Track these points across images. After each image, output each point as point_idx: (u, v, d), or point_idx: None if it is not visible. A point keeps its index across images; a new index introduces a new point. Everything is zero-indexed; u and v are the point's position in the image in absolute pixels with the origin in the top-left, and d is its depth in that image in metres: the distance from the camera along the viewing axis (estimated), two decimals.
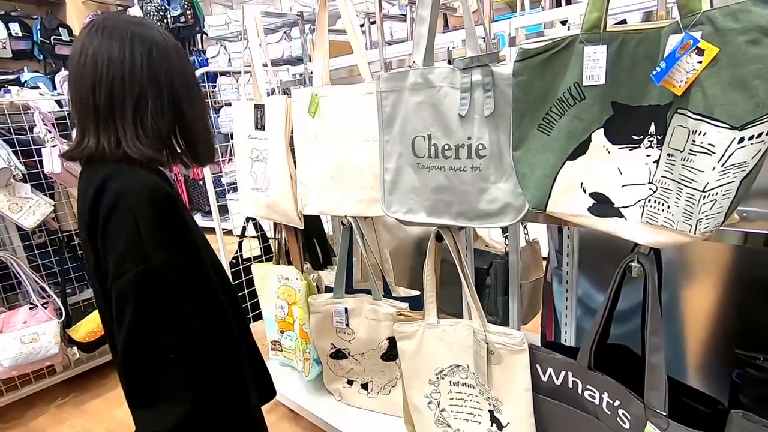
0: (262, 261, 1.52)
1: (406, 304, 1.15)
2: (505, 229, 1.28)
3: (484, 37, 0.91)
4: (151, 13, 4.08)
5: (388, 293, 1.22)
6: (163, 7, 4.03)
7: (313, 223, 1.43)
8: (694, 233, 0.57)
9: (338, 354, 1.29)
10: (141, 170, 0.67)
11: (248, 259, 1.52)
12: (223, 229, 1.47)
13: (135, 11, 4.27)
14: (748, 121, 0.51)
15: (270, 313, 1.45)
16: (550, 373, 0.87)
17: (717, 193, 0.54)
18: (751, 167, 0.52)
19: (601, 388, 0.80)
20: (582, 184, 0.69)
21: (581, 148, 0.68)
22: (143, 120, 0.68)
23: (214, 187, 1.47)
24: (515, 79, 0.72)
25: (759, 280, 0.93)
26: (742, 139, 0.51)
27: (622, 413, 0.77)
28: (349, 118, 1.04)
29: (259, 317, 1.53)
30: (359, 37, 1.01)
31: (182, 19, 3.94)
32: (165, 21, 4.03)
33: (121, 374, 0.69)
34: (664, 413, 0.69)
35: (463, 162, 0.82)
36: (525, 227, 1.39)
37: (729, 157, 0.52)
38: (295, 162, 1.17)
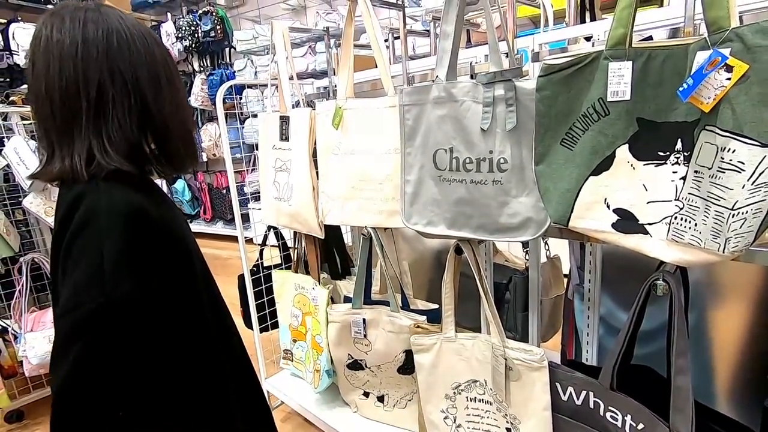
0: (282, 269, 1.54)
1: (424, 317, 1.14)
2: (525, 244, 1.27)
3: (507, 53, 0.92)
4: (183, 28, 4.25)
5: (406, 305, 1.22)
6: (194, 23, 4.19)
7: (333, 233, 1.45)
8: (723, 252, 0.55)
9: (355, 365, 1.29)
10: (118, 186, 0.57)
11: (269, 267, 1.55)
12: (245, 238, 1.50)
13: (168, 26, 4.47)
14: None
15: (285, 321, 1.47)
16: (571, 393, 0.85)
17: (747, 212, 0.53)
18: None
19: (624, 410, 0.78)
20: (606, 199, 0.68)
21: (605, 164, 0.67)
22: (106, 124, 0.57)
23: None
24: (539, 93, 0.72)
25: None
26: None
27: None
28: (372, 130, 1.06)
29: (277, 326, 1.54)
30: (383, 52, 1.03)
31: (212, 34, 4.09)
32: (196, 35, 4.20)
33: None
34: None
35: (485, 175, 0.82)
36: (546, 242, 1.37)
37: (760, 174, 0.51)
38: (317, 173, 1.19)
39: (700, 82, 0.55)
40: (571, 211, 0.71)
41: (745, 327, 0.94)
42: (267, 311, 1.57)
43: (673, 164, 0.63)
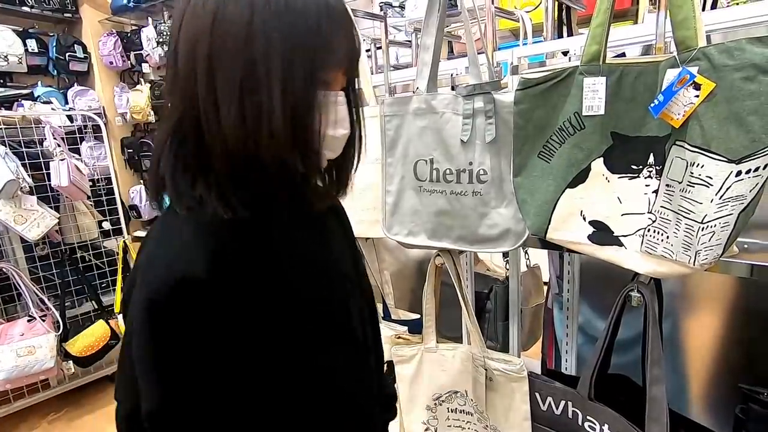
0: None
1: (405, 328, 1.14)
2: (506, 254, 1.28)
3: (487, 65, 0.93)
4: (164, 33, 4.19)
5: (387, 316, 1.21)
6: None
7: None
8: (694, 264, 0.57)
9: None
10: (207, 228, 0.45)
11: None
12: None
13: (149, 31, 4.40)
14: (744, 155, 0.51)
15: None
16: (550, 402, 0.86)
17: (715, 225, 0.54)
18: (749, 200, 0.53)
19: (601, 419, 0.78)
20: (582, 211, 0.69)
21: (581, 176, 0.69)
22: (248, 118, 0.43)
23: None
24: (516, 107, 0.73)
25: (764, 313, 0.92)
26: (739, 173, 0.52)
27: None
28: None
29: None
30: (365, 62, 1.03)
31: None
32: None
33: None
34: None
35: (464, 186, 0.82)
36: (526, 252, 1.39)
37: (727, 189, 0.53)
38: None
39: (670, 98, 0.57)
40: (549, 223, 0.71)
41: (718, 336, 0.97)
42: None
43: (645, 177, 0.64)
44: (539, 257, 1.37)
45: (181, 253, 0.44)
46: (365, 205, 1.04)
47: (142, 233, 5.06)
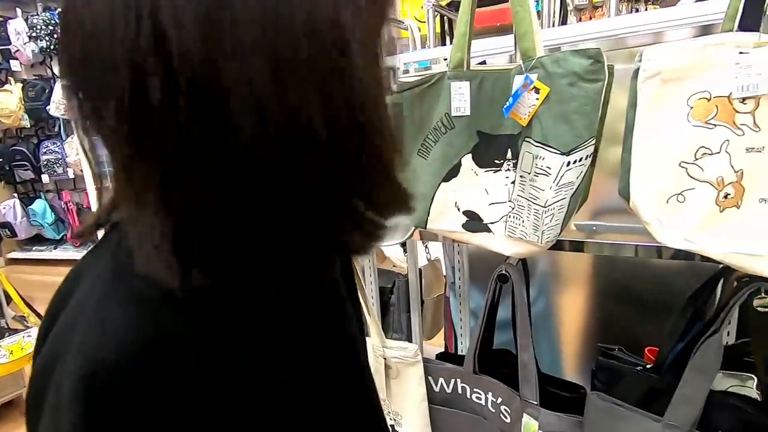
0: None
1: None
2: (405, 249, 1.35)
3: None
4: (38, 26, 3.72)
5: None
6: (53, 21, 3.69)
7: None
8: (541, 243, 0.66)
9: None
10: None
11: None
12: None
13: (18, 24, 3.86)
14: (572, 148, 0.61)
15: None
16: (442, 383, 0.93)
17: (554, 208, 0.63)
18: (577, 185, 0.63)
19: (485, 389, 0.87)
20: (456, 203, 0.77)
21: (453, 171, 0.76)
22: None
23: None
24: (396, 108, 0.79)
25: (617, 285, 1.09)
26: (569, 163, 0.62)
27: (504, 409, 0.84)
28: None
29: None
30: None
31: None
32: (55, 35, 3.69)
33: None
34: (536, 402, 0.77)
35: None
36: (426, 246, 1.48)
37: (561, 177, 0.62)
38: None
39: (517, 100, 0.65)
40: (428, 215, 0.78)
41: (583, 307, 1.12)
42: None
43: (506, 170, 0.73)
44: (440, 251, 1.46)
45: (147, 312, 0.28)
46: None
47: (18, 254, 4.41)
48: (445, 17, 1.25)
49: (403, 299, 1.31)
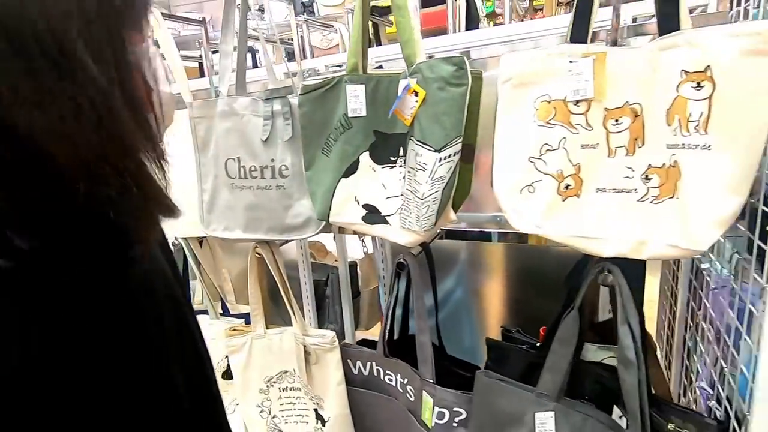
0: None
1: (242, 320, 1.19)
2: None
3: (294, 72, 1.03)
4: None
5: (227, 312, 1.25)
6: None
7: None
8: (422, 232, 0.73)
9: None
10: None
11: None
12: None
13: None
14: (443, 145, 0.68)
15: None
16: (359, 366, 0.99)
17: (429, 200, 0.70)
18: (448, 179, 0.70)
19: (395, 371, 0.93)
20: (356, 197, 0.82)
21: (352, 168, 0.82)
22: None
23: None
24: (300, 109, 0.84)
25: (528, 271, 1.17)
26: (441, 159, 0.68)
27: (409, 389, 0.90)
28: (174, 142, 1.07)
29: None
30: (178, 64, 1.06)
31: None
32: None
33: None
34: (432, 381, 0.84)
35: (268, 182, 0.91)
36: (363, 240, 1.53)
37: (435, 172, 0.69)
38: None
39: (397, 103, 0.72)
40: (330, 209, 0.83)
41: (497, 293, 1.20)
42: None
43: (399, 167, 0.79)
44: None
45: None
46: (191, 206, 1.07)
47: None
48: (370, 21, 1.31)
49: (337, 292, 1.36)
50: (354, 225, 0.83)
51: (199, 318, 1.20)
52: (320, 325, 1.37)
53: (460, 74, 0.66)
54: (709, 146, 0.52)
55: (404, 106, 0.73)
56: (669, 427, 0.61)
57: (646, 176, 0.60)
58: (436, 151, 0.68)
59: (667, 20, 0.54)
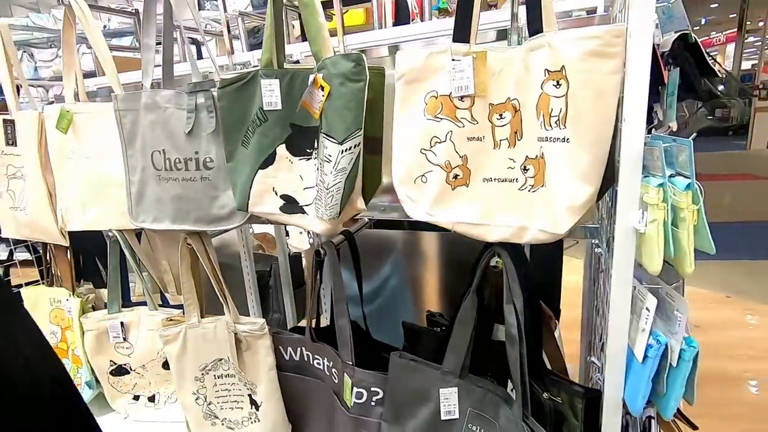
0: (39, 284, 1.42)
1: (181, 311, 1.20)
2: (287, 234, 1.44)
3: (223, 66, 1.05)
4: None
5: (166, 303, 1.26)
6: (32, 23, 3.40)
7: (92, 240, 1.40)
8: (328, 221, 0.76)
9: (119, 370, 1.27)
10: None
11: (19, 285, 1.41)
12: None
13: None
14: (345, 137, 0.71)
15: None
16: (290, 352, 1.02)
17: (333, 190, 0.74)
18: (349, 170, 0.73)
19: (322, 355, 0.97)
20: (274, 188, 0.85)
21: (270, 159, 0.84)
22: None
23: None
24: (219, 103, 0.86)
25: (454, 258, 1.23)
26: (343, 151, 0.72)
27: (334, 371, 0.95)
28: (106, 134, 1.07)
29: None
30: (106, 55, 1.05)
31: None
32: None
33: None
34: (351, 363, 0.88)
35: (193, 173, 0.93)
36: (308, 232, 1.56)
37: (337, 163, 0.73)
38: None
39: (304, 96, 0.75)
40: (248, 199, 0.86)
41: (429, 280, 1.26)
42: None
43: (314, 158, 0.82)
44: None
45: None
46: (125, 199, 1.07)
47: None
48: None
49: (280, 282, 1.39)
50: (273, 215, 0.86)
51: (140, 309, 1.21)
52: (264, 315, 1.40)
53: (358, 70, 0.69)
54: (568, 139, 0.57)
55: (313, 99, 0.76)
56: (544, 395, 0.67)
57: (524, 167, 0.65)
58: (338, 143, 0.72)
59: (534, 23, 0.59)
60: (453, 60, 0.64)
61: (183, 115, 0.92)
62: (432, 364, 0.81)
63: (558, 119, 0.58)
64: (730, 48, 12.55)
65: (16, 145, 1.17)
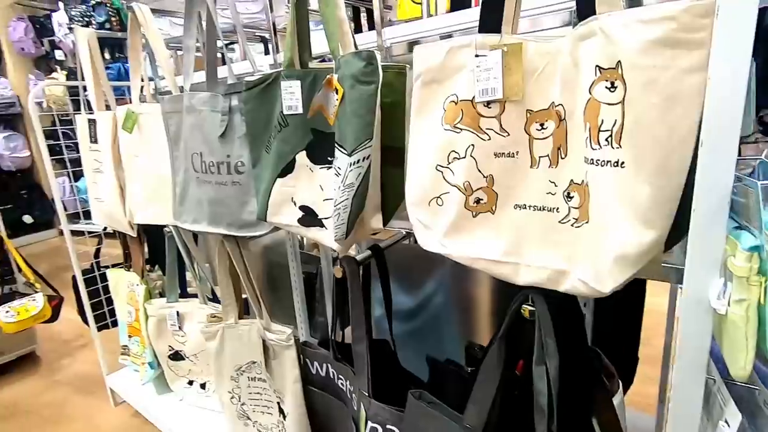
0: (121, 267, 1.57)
1: None
2: None
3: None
4: (76, 18, 4.04)
5: (216, 298, 1.30)
6: (88, 13, 4.00)
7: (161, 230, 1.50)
8: (336, 241, 0.68)
9: (176, 356, 1.35)
10: None
11: (107, 267, 1.57)
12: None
13: (60, 16, 4.22)
14: (354, 148, 0.62)
15: (123, 317, 1.51)
16: (317, 366, 0.97)
17: (340, 208, 0.65)
18: (357, 186, 0.64)
19: (345, 375, 0.90)
20: (293, 198, 0.79)
21: (289, 167, 0.78)
22: None
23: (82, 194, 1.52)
24: (245, 106, 0.82)
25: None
26: (351, 164, 0.63)
27: (354, 396, 0.87)
28: (162, 135, 1.12)
29: (117, 323, 1.57)
30: (164, 59, 1.09)
31: (107, 26, 3.92)
32: (91, 25, 4.00)
33: None
34: (367, 393, 0.80)
35: (224, 177, 0.91)
36: None
37: (346, 178, 0.63)
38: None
39: (321, 97, 0.67)
40: (267, 209, 0.81)
41: (481, 302, 1.11)
42: (105, 309, 1.60)
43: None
44: None
45: None
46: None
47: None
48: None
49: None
50: (291, 227, 0.81)
51: (194, 301, 1.25)
52: (311, 318, 1.38)
53: (370, 70, 0.59)
54: (622, 163, 0.41)
55: (328, 102, 0.68)
56: None
57: (568, 194, 0.49)
58: (348, 154, 0.63)
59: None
60: (477, 56, 0.50)
61: (217, 118, 0.90)
62: (453, 413, 0.69)
63: (610, 135, 0.42)
64: None
65: (97, 143, 1.28)
